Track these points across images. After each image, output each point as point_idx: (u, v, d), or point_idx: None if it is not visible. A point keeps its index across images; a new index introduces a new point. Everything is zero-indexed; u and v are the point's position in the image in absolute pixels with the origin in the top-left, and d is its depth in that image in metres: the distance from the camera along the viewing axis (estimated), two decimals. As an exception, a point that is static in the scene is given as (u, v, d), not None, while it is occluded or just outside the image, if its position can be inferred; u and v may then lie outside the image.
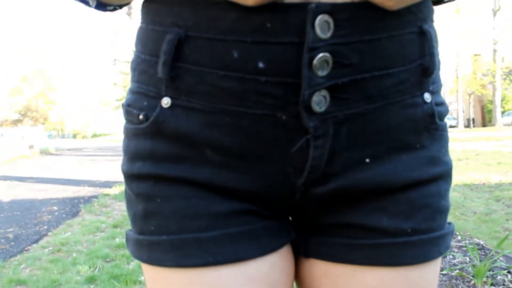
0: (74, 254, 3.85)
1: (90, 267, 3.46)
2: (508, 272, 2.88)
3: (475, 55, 35.74)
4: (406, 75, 0.53)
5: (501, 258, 3.05)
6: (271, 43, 0.48)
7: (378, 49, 0.50)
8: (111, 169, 10.86)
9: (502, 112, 33.01)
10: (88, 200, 6.55)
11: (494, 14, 30.69)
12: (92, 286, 3.08)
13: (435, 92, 0.58)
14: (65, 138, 66.67)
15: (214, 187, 0.54)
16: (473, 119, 38.57)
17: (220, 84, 0.50)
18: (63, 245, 4.14)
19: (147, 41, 0.55)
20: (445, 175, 0.59)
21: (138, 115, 0.55)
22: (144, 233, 0.56)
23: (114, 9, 0.62)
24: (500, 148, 11.37)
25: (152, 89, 0.54)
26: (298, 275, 0.64)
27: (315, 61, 0.47)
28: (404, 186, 0.55)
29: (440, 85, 0.60)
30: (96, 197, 6.75)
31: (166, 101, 0.53)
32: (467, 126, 36.91)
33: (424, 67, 0.55)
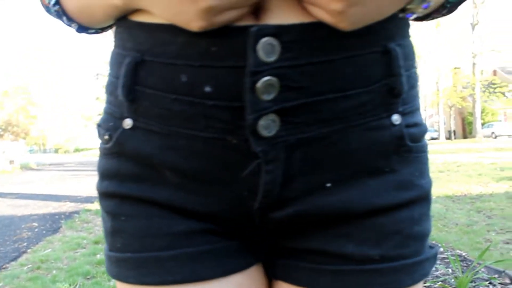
0: (54, 272, 3.78)
1: (70, 285, 3.39)
2: (490, 283, 2.90)
3: (455, 68, 36.41)
4: (368, 96, 0.51)
5: (482, 269, 3.08)
6: (216, 67, 0.48)
7: (331, 71, 0.48)
8: (93, 184, 10.66)
9: (482, 124, 33.51)
10: (69, 215, 6.45)
11: (473, 28, 31.33)
12: (72, 304, 3.02)
13: (407, 113, 0.55)
14: (47, 153, 65.89)
15: (174, 208, 0.55)
16: (454, 131, 39.14)
17: (172, 107, 0.51)
18: (43, 262, 4.06)
19: (113, 64, 0.56)
20: (420, 199, 0.56)
21: (104, 135, 0.57)
22: (113, 250, 0.58)
23: (96, 32, 0.63)
24: (481, 160, 11.54)
25: (117, 110, 0.56)
26: None
27: (258, 85, 0.46)
28: (370, 212, 0.53)
29: (416, 105, 0.57)
30: (77, 212, 6.65)
31: (127, 123, 0.54)
32: (448, 138, 37.44)
33: (390, 88, 0.52)
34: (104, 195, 0.59)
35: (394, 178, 0.54)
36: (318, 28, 0.47)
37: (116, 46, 0.57)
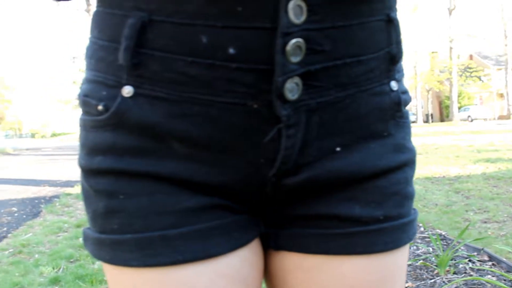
0: (36, 256, 3.74)
1: (53, 268, 3.37)
2: (469, 260, 2.97)
3: (433, 52, 36.75)
4: (376, 63, 0.53)
5: (462, 248, 3.15)
6: (242, 28, 0.46)
7: (349, 36, 0.50)
8: (72, 169, 10.61)
9: (459, 108, 34.02)
10: (49, 200, 6.38)
11: (450, 13, 31.61)
12: (56, 288, 3.01)
13: (399, 81, 0.58)
14: (23, 137, 64.72)
15: (181, 181, 0.52)
16: (431, 115, 39.65)
17: (187, 71, 0.48)
18: (24, 246, 4.01)
19: (105, 26, 0.52)
20: (410, 162, 0.59)
21: (97, 106, 0.52)
22: (105, 232, 0.53)
23: None
24: (458, 142, 11.74)
25: (111, 77, 0.51)
26: (268, 269, 0.63)
27: (288, 47, 0.46)
28: (373, 175, 0.55)
29: (403, 74, 0.60)
30: (57, 197, 6.58)
31: (127, 90, 0.50)
32: (426, 121, 37.92)
33: (392, 55, 0.55)
34: (95, 172, 0.53)
35: (391, 141, 0.57)
36: None
37: (106, 5, 0.52)
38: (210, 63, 0.47)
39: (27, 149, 21.25)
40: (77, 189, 7.02)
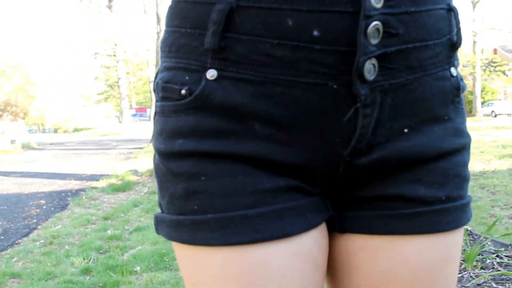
0: (67, 247, 3.85)
1: (84, 259, 3.46)
2: (497, 256, 2.95)
3: (456, 46, 36.02)
4: (439, 48, 0.56)
5: (489, 243, 3.13)
6: (326, 11, 0.49)
7: (419, 22, 0.53)
8: (96, 163, 10.77)
9: (482, 103, 33.44)
10: (76, 193, 6.50)
11: (474, 6, 31.03)
12: (88, 278, 3.08)
13: (456, 67, 0.61)
14: (46, 132, 65.65)
15: (260, 162, 0.54)
16: (453, 110, 38.88)
17: (273, 53, 0.51)
18: (55, 237, 4.12)
19: (188, 15, 0.55)
20: (467, 146, 0.63)
21: (180, 90, 0.54)
22: (185, 213, 0.55)
23: None
24: (482, 138, 11.55)
25: (194, 62, 0.54)
26: (331, 252, 0.64)
27: (369, 29, 0.49)
28: (437, 156, 0.58)
29: (459, 62, 0.63)
30: (83, 190, 6.71)
31: (211, 74, 0.53)
32: (448, 117, 37.12)
33: (452, 42, 0.58)
34: (176, 155, 0.55)
35: (451, 125, 0.60)
36: None
37: None
38: (295, 44, 0.50)
39: (51, 144, 21.49)
40: (103, 183, 7.14)
